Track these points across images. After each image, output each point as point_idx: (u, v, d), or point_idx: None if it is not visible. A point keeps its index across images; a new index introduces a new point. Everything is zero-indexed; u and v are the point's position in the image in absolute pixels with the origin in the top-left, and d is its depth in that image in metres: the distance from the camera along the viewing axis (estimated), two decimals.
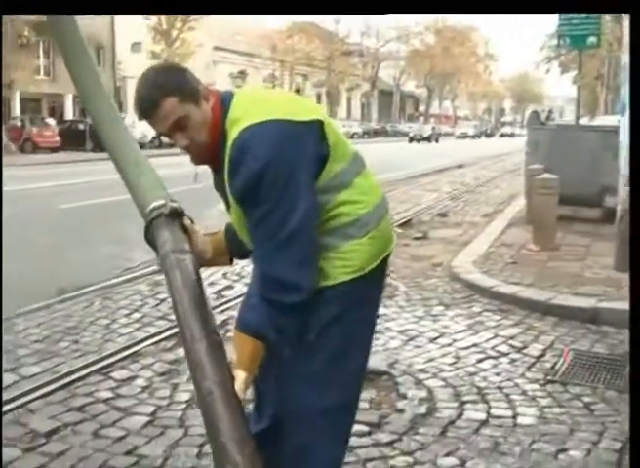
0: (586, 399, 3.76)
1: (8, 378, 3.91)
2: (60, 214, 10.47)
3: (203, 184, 2.29)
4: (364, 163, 2.27)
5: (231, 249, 2.48)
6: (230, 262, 2.56)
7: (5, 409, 3.50)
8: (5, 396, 3.64)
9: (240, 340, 2.09)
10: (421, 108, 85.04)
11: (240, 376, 2.05)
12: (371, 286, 2.25)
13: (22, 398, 3.64)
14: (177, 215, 2.36)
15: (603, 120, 15.99)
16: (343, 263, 2.13)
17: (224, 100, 2.12)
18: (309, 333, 2.17)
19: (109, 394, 3.71)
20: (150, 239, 2.38)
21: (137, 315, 5.19)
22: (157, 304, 5.49)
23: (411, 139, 53.17)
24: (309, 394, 2.22)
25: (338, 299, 2.16)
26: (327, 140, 2.10)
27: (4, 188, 12.91)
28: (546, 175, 7.96)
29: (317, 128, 2.09)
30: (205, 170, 2.19)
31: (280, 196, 1.98)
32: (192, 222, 2.38)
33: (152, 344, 4.51)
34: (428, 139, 53.27)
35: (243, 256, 2.66)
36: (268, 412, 2.56)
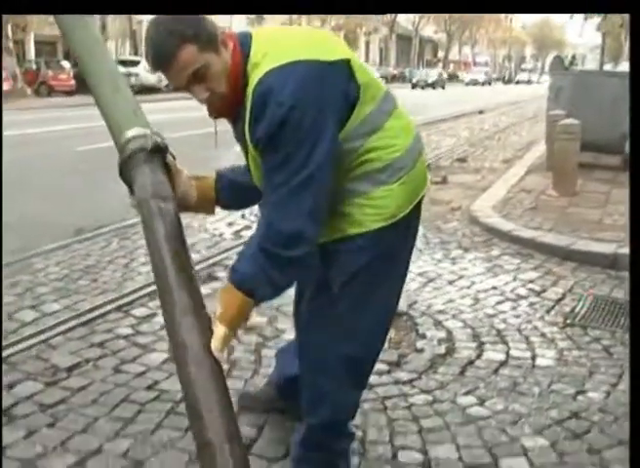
0: (605, 342, 3.75)
1: (29, 315, 3.94)
2: (76, 157, 10.45)
3: (220, 127, 2.16)
4: (395, 102, 2.14)
5: (221, 198, 2.34)
6: (213, 212, 2.42)
7: (26, 344, 3.54)
8: (26, 332, 3.69)
9: (229, 293, 1.95)
10: (440, 54, 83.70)
11: (219, 331, 1.88)
12: (402, 233, 2.15)
13: (43, 334, 3.67)
14: (158, 151, 2.10)
15: (627, 67, 15.66)
16: (375, 211, 2.04)
17: (243, 44, 1.97)
18: (335, 282, 2.13)
19: (129, 331, 3.73)
20: (127, 177, 2.11)
21: None
22: None
23: (414, 86, 49.17)
24: (331, 343, 2.19)
25: (367, 248, 2.08)
26: (356, 81, 1.96)
27: (18, 132, 12.95)
28: (568, 121, 7.82)
29: (345, 68, 1.95)
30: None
31: (302, 141, 1.85)
32: (174, 159, 2.18)
33: None
34: (433, 86, 49.64)
35: (234, 207, 2.57)
36: None
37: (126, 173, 2.10)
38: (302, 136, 1.85)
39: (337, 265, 2.12)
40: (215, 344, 1.83)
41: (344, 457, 2.46)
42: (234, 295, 1.93)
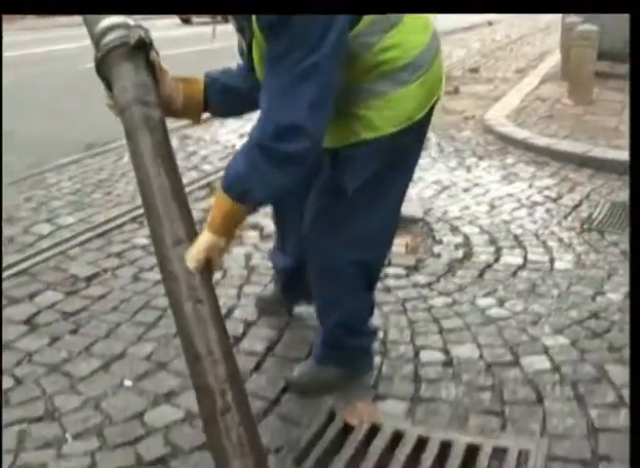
0: (623, 246, 3.72)
1: (45, 228, 3.94)
2: (80, 75, 10.26)
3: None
4: None
5: (212, 103, 2.14)
6: (198, 119, 2.20)
7: (44, 256, 3.55)
8: (43, 244, 3.70)
9: (219, 198, 1.80)
10: None
11: (204, 238, 1.71)
12: (415, 137, 2.10)
13: (60, 246, 3.68)
14: (142, 47, 1.80)
15: None
16: (392, 113, 1.95)
17: None
18: (347, 188, 2.07)
19: (145, 241, 3.71)
20: (106, 75, 1.83)
21: None
22: (188, 156, 5.44)
23: None
24: (340, 249, 2.16)
25: (381, 153, 2.02)
26: None
27: (21, 52, 12.73)
28: (586, 27, 7.58)
29: None
30: None
31: (311, 26, 1.69)
32: (158, 55, 1.93)
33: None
34: None
35: (225, 114, 2.40)
36: (294, 253, 2.55)
37: (104, 70, 1.82)
38: (312, 21, 1.69)
39: (350, 171, 2.06)
40: (192, 252, 1.64)
41: (366, 355, 2.48)
42: (224, 200, 1.78)
